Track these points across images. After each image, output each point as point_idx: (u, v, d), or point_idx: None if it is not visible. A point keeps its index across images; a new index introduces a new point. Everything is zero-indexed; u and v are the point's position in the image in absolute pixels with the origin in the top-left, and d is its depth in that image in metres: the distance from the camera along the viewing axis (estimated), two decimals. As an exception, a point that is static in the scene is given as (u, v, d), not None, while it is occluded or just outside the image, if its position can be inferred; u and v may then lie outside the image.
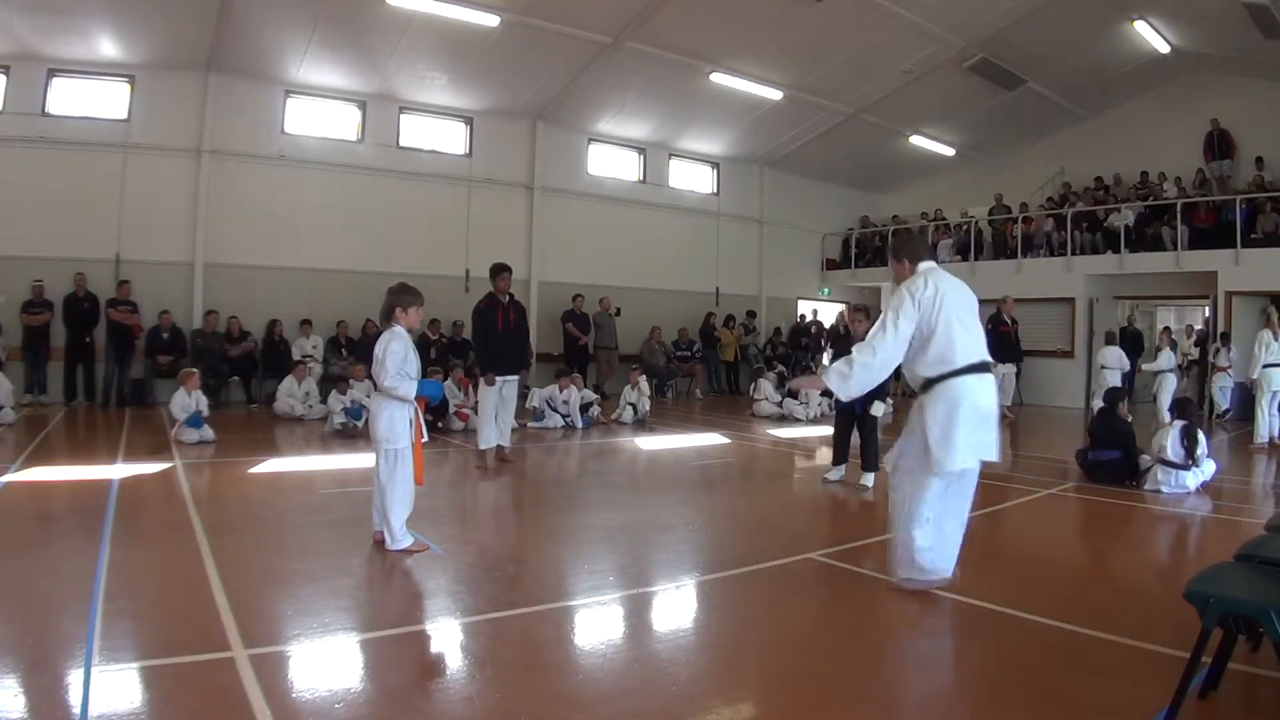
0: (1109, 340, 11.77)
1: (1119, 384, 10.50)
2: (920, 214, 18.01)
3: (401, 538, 4.31)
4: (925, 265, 3.90)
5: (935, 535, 3.71)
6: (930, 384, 3.72)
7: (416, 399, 4.37)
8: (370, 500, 4.47)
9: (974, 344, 3.74)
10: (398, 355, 4.28)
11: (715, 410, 12.83)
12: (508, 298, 7.37)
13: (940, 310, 3.67)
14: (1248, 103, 14.23)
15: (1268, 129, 13.92)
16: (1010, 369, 12.55)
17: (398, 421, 4.31)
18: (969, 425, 3.61)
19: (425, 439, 4.50)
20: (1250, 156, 14.06)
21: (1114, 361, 11.17)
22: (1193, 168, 14.65)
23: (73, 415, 10.06)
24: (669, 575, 4.25)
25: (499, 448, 7.45)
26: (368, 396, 9.64)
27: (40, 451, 7.37)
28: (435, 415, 9.44)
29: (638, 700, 2.67)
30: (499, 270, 7.33)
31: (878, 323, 3.80)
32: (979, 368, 3.71)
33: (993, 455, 3.76)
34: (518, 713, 2.54)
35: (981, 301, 4.04)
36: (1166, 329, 12.82)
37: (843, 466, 6.85)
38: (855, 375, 3.74)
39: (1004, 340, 12.56)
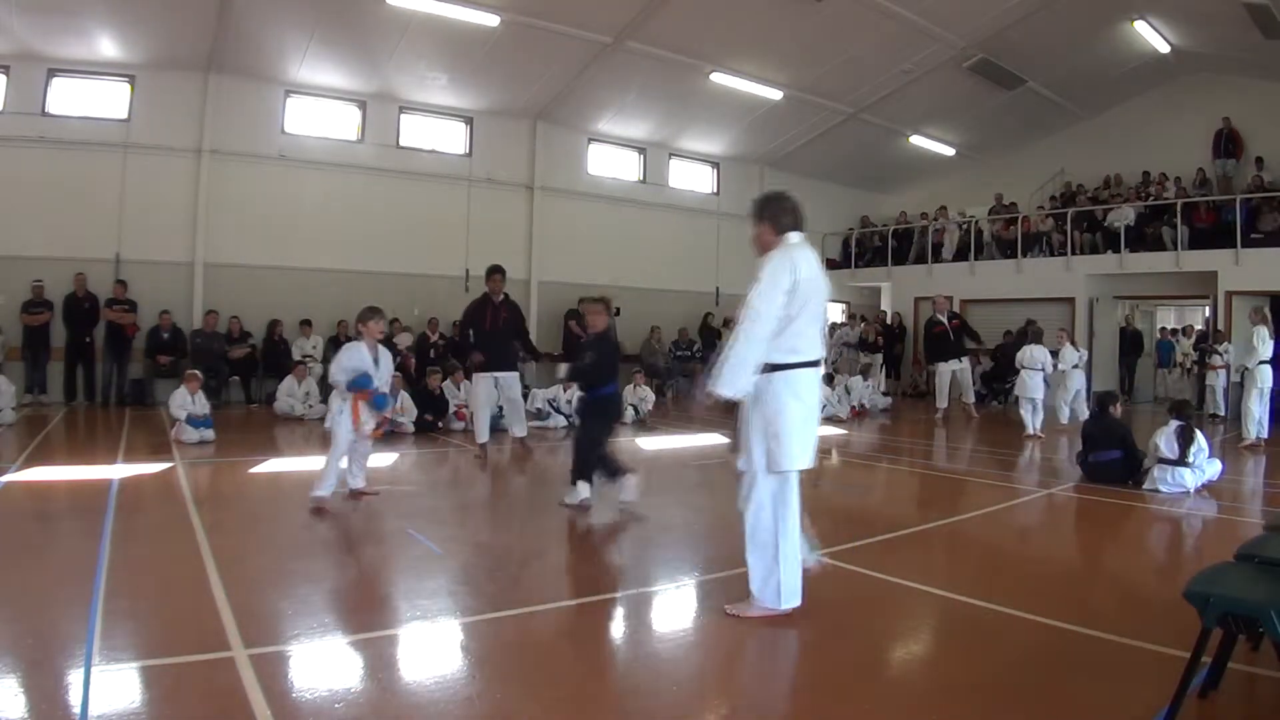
0: (1034, 339, 10.93)
1: (1043, 383, 10.38)
2: (920, 214, 18.00)
3: (316, 490, 5.28)
4: (796, 238, 3.44)
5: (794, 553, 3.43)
6: (774, 370, 3.34)
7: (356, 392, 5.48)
8: (375, 502, 4.65)
9: (818, 339, 3.48)
10: (339, 360, 5.55)
11: (715, 410, 12.81)
12: (501, 298, 7.75)
13: (810, 296, 3.35)
14: (1248, 103, 14.22)
15: (1268, 129, 13.91)
16: (962, 365, 12.46)
17: (333, 405, 5.64)
18: (809, 422, 3.43)
19: (366, 425, 5.55)
20: (1250, 156, 14.07)
21: (1037, 362, 10.49)
22: (1193, 167, 14.63)
23: (73, 415, 10.05)
24: (669, 575, 4.25)
25: (519, 440, 8.03)
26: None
27: (40, 451, 7.36)
28: (435, 415, 9.46)
29: (638, 700, 2.67)
30: (492, 272, 7.79)
31: (754, 298, 3.31)
32: (815, 364, 3.45)
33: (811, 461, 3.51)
34: (518, 713, 2.54)
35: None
36: (1062, 329, 11.90)
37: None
38: (726, 366, 3.31)
39: (941, 340, 12.51)
